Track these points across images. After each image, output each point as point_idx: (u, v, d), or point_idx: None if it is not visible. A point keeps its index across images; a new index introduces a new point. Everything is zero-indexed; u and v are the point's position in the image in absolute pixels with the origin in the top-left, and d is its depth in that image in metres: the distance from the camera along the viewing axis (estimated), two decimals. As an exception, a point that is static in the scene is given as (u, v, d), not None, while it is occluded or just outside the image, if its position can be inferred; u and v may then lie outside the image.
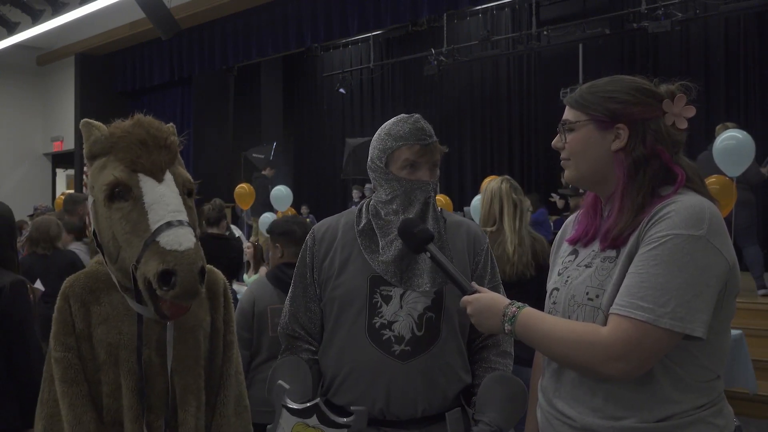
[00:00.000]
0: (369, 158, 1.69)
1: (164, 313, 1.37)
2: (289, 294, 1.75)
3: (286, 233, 2.63)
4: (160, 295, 1.32)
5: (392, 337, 1.57)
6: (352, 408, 1.55)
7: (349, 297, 1.62)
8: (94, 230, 1.49)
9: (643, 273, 1.18)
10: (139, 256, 1.33)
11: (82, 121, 1.50)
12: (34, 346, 2.05)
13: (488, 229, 2.92)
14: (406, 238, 1.54)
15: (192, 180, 1.51)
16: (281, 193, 7.80)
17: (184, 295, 1.31)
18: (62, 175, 12.81)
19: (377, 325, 1.58)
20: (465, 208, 7.70)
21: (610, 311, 1.21)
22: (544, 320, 1.29)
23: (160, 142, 1.46)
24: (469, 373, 1.66)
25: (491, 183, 3.03)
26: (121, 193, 1.40)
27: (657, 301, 1.15)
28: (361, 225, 1.67)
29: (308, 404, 1.54)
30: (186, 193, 1.47)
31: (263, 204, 8.79)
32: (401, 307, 1.58)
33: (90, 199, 1.50)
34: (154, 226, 1.35)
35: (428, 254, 1.50)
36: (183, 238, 1.33)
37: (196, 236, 1.38)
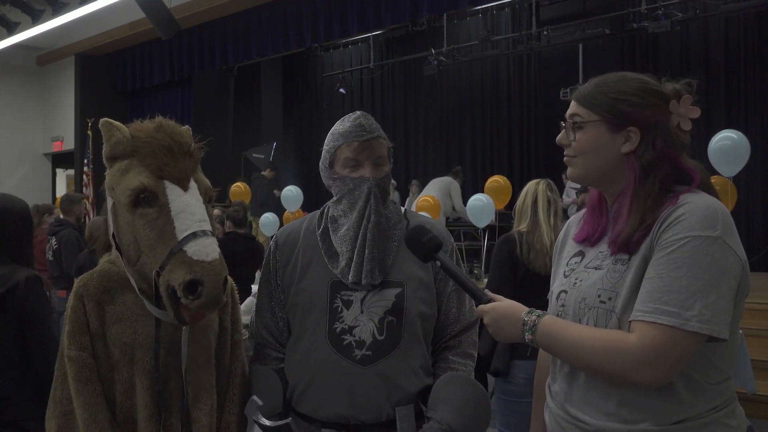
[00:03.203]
0: (320, 160, 1.68)
1: (184, 319, 1.39)
2: (256, 300, 1.73)
3: None
4: (185, 303, 1.34)
5: (353, 342, 1.54)
6: (322, 431, 1.54)
7: (309, 303, 1.59)
8: (113, 232, 1.50)
9: (665, 277, 1.17)
10: (164, 263, 1.36)
11: (102, 120, 1.49)
12: (50, 339, 2.09)
13: (522, 228, 2.90)
14: (414, 247, 1.51)
15: (212, 188, 1.54)
16: (291, 194, 7.79)
17: (209, 305, 1.34)
18: (62, 175, 12.79)
19: (338, 330, 1.56)
20: (458, 208, 7.70)
21: (634, 318, 1.19)
22: (567, 329, 1.27)
23: (185, 148, 1.49)
24: (431, 376, 1.63)
25: (529, 183, 3.07)
26: (147, 200, 1.41)
27: (682, 305, 1.14)
28: (321, 229, 1.65)
29: (281, 423, 1.53)
30: (206, 200, 1.50)
31: (261, 204, 8.79)
32: (362, 311, 1.56)
33: (110, 201, 1.51)
34: (180, 235, 1.37)
35: (438, 263, 1.47)
36: (209, 249, 1.36)
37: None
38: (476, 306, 1.40)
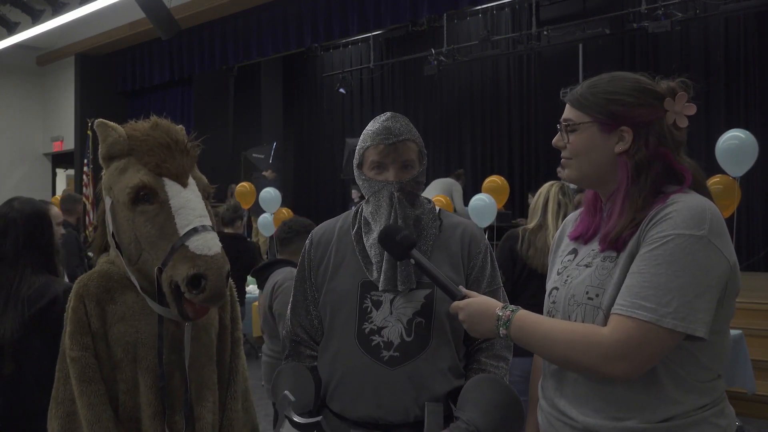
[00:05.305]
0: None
1: (187, 315, 1.40)
2: (291, 299, 1.74)
3: None
4: (189, 298, 1.35)
5: (381, 343, 1.55)
6: (352, 430, 1.55)
7: (340, 302, 1.60)
8: (112, 231, 1.50)
9: (645, 273, 1.18)
10: (166, 259, 1.36)
11: (97, 121, 1.50)
12: None
13: (530, 225, 3.03)
14: (388, 245, 1.52)
15: (209, 184, 1.55)
16: (270, 195, 7.80)
17: (212, 299, 1.35)
18: (62, 175, 12.80)
19: (367, 330, 1.56)
20: (458, 209, 7.71)
21: (612, 311, 1.20)
22: (541, 322, 1.28)
23: (181, 146, 1.49)
24: (462, 378, 1.62)
25: (545, 185, 3.19)
26: (147, 197, 1.42)
27: (659, 301, 1.15)
28: (355, 230, 1.66)
29: (311, 421, 1.54)
30: (205, 197, 1.51)
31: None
32: (391, 312, 1.56)
33: (108, 201, 1.51)
34: (182, 231, 1.38)
35: (412, 261, 1.48)
36: (211, 243, 1.37)
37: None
38: (451, 303, 1.40)
